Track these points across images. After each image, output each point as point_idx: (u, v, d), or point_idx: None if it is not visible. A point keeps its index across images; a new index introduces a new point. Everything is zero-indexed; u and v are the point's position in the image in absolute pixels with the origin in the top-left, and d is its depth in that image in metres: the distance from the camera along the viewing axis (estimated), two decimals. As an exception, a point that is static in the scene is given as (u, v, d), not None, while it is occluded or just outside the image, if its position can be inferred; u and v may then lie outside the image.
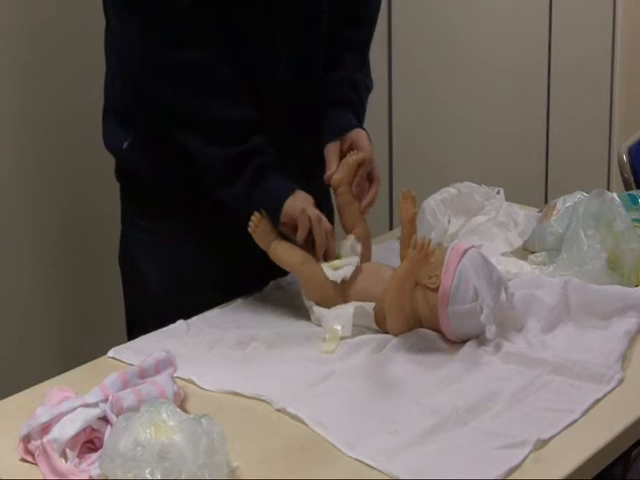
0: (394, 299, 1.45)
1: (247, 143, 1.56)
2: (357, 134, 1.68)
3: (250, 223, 1.55)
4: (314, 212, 1.55)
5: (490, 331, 1.41)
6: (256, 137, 1.57)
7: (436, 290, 1.44)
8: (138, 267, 1.72)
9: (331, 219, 1.78)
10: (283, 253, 1.56)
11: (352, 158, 1.63)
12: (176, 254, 1.69)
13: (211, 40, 1.55)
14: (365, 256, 1.62)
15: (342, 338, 1.45)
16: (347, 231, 1.63)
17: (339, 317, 1.48)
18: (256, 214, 1.55)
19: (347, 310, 1.49)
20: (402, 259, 1.56)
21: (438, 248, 1.46)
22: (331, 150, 1.66)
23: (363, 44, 1.78)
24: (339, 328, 1.46)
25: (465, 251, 1.46)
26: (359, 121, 1.72)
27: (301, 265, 1.56)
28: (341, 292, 1.54)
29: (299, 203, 1.55)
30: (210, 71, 1.55)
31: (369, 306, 1.50)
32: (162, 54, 1.54)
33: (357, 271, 1.56)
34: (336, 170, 1.64)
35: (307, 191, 1.58)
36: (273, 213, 1.56)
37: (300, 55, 1.65)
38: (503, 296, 1.48)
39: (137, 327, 1.65)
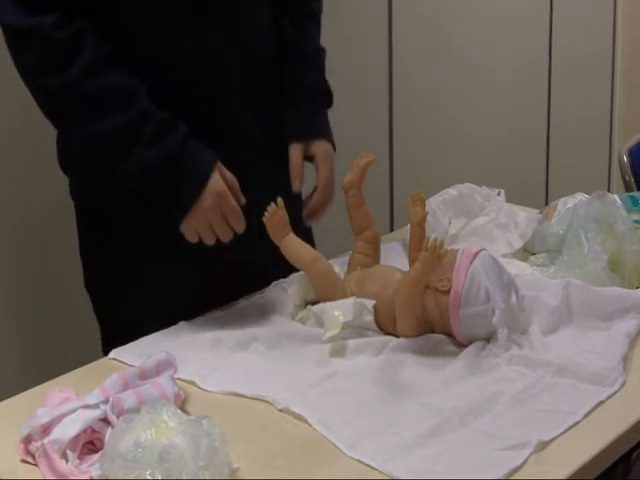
0: (406, 301, 1.44)
1: (141, 106, 1.46)
2: (321, 148, 1.67)
3: (265, 213, 1.51)
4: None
5: (502, 334, 1.41)
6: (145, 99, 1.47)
7: (447, 292, 1.43)
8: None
9: (311, 238, 1.74)
10: (294, 249, 1.53)
11: (363, 160, 1.61)
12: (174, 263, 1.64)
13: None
14: (374, 258, 1.61)
15: (344, 325, 1.44)
16: (357, 233, 1.62)
17: (338, 306, 1.47)
18: (273, 205, 1.51)
19: (347, 300, 1.49)
20: (411, 262, 1.55)
21: (449, 251, 1.45)
22: (296, 158, 1.65)
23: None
24: (338, 313, 1.45)
25: (476, 254, 1.45)
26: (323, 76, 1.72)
27: (312, 264, 1.54)
28: (350, 295, 1.52)
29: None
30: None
31: (369, 303, 1.49)
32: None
33: (367, 274, 1.56)
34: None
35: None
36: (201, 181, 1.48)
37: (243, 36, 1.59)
38: (513, 298, 1.47)
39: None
